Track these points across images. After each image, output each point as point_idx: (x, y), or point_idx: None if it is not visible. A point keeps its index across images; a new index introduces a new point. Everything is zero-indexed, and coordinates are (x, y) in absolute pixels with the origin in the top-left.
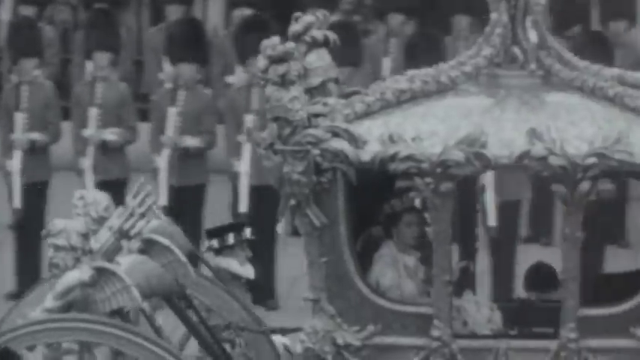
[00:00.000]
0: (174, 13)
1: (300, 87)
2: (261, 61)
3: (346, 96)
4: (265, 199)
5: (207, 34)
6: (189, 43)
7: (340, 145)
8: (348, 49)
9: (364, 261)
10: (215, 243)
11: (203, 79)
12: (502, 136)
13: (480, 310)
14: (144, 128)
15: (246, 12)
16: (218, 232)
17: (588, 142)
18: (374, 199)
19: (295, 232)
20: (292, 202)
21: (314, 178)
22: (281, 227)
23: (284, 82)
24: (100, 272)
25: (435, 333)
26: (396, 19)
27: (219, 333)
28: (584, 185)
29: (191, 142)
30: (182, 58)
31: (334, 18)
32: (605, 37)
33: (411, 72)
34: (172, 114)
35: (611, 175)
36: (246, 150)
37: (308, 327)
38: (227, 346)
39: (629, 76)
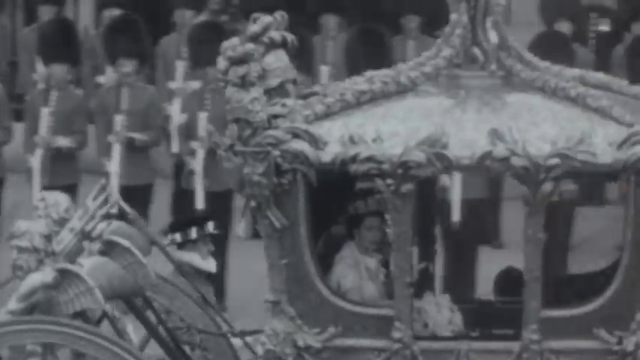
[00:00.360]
0: (46, 13)
1: (260, 88)
2: (221, 63)
3: (304, 97)
4: (135, 198)
5: (79, 34)
6: (61, 43)
7: (300, 146)
8: (216, 49)
9: (325, 261)
10: (177, 237)
11: (74, 80)
12: (463, 136)
13: (440, 311)
14: (18, 128)
15: (116, 12)
16: (180, 226)
17: (551, 143)
18: (334, 199)
19: (256, 235)
20: (253, 203)
21: (274, 179)
22: (242, 229)
23: (244, 83)
24: (63, 274)
25: (396, 335)
26: None
27: (178, 335)
28: (547, 186)
29: (63, 142)
30: (54, 58)
31: (202, 18)
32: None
33: (369, 73)
34: (45, 114)
35: (573, 176)
36: (116, 150)
37: (268, 329)
38: (186, 348)
39: (591, 76)
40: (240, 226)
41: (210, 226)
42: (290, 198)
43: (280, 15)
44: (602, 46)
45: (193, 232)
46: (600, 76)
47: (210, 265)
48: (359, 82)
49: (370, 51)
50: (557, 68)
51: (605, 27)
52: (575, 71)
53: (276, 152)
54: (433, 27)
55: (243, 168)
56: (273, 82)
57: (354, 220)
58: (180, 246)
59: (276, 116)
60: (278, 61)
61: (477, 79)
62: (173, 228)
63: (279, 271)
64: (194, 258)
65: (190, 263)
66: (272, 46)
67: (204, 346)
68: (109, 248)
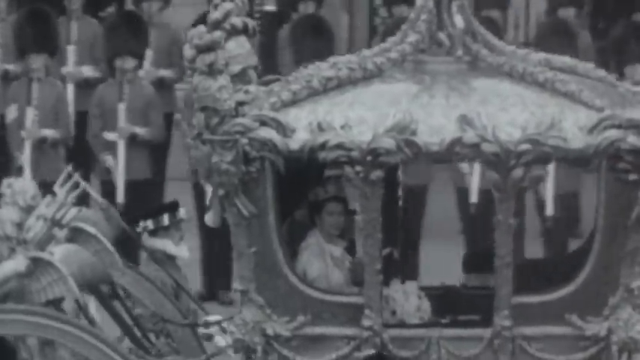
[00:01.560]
0: None
1: (227, 76)
2: (188, 51)
3: (266, 83)
4: None
5: None
6: None
7: (268, 134)
8: None
9: (290, 247)
10: (150, 224)
11: None
12: (432, 123)
13: (408, 299)
14: None
15: None
16: (153, 213)
17: (521, 128)
18: (296, 184)
19: (224, 223)
20: (221, 192)
21: (243, 167)
22: (209, 218)
23: (211, 71)
24: (36, 262)
25: (366, 322)
26: None
27: (143, 322)
28: (517, 172)
29: None
30: None
31: None
32: (138, 16)
33: (333, 58)
34: None
35: (543, 161)
36: None
37: (237, 318)
38: (152, 336)
39: (557, 60)
40: (207, 215)
41: (182, 213)
42: (258, 186)
43: (241, 1)
44: (268, 26)
45: (165, 219)
46: (566, 60)
47: (182, 251)
48: (324, 69)
49: (38, 31)
50: (523, 52)
51: (271, 7)
52: (541, 55)
53: (245, 140)
54: (96, 8)
55: (212, 156)
56: (235, 68)
57: (315, 207)
58: (153, 233)
59: (241, 103)
60: (239, 48)
61: (444, 64)
62: (145, 215)
63: (247, 259)
64: (167, 245)
65: (163, 250)
66: (233, 32)
67: (168, 334)
68: (75, 235)
